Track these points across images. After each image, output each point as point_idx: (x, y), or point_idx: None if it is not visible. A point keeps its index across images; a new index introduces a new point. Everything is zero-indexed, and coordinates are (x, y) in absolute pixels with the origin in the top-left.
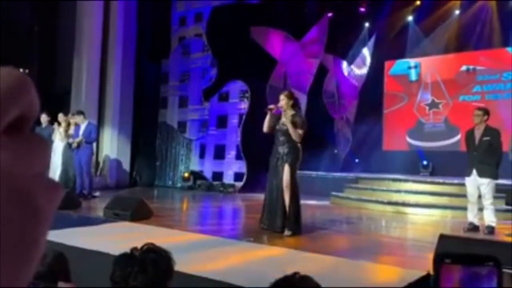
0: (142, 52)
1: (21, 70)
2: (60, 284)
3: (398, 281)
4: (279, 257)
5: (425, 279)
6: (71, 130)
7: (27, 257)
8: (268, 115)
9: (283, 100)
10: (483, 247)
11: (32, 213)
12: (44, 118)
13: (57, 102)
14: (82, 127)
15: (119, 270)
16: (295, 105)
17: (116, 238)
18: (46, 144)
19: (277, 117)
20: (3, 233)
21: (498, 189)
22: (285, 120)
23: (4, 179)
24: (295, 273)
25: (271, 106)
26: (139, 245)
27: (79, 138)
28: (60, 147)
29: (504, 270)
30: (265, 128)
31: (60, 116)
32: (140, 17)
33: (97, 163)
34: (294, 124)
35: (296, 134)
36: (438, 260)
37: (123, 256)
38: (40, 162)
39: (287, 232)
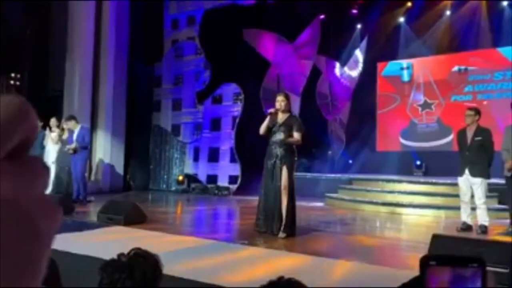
0: (135, 55)
1: (12, 74)
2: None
3: (392, 281)
4: (273, 259)
5: (418, 279)
6: (65, 136)
7: (28, 279)
8: (268, 118)
9: (283, 101)
10: (476, 247)
11: (33, 237)
12: None
13: (50, 106)
14: (76, 132)
15: (106, 277)
16: (289, 106)
17: (109, 243)
18: (46, 167)
19: (273, 118)
20: (5, 257)
21: (491, 189)
22: (282, 127)
23: (5, 204)
24: (281, 277)
25: (273, 110)
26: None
27: (73, 145)
28: (53, 152)
29: (495, 269)
30: (262, 130)
31: (53, 121)
32: (133, 21)
33: (90, 167)
34: (291, 127)
35: (295, 141)
36: (424, 262)
37: (110, 262)
38: (40, 185)
39: (281, 234)
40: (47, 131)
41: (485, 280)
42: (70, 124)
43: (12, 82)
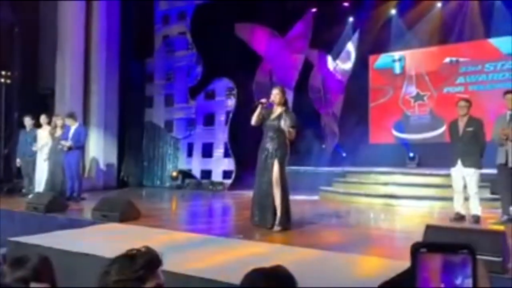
0: (126, 51)
1: (3, 72)
2: (32, 284)
3: (386, 272)
4: (269, 253)
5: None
6: (58, 133)
7: None
8: (258, 109)
9: (278, 95)
10: (469, 236)
11: None
12: (28, 122)
13: (41, 104)
14: (72, 129)
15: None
16: (285, 102)
17: (104, 240)
18: None
19: (267, 111)
20: None
21: (483, 179)
22: (276, 121)
23: None
24: (268, 267)
25: (263, 100)
26: (128, 246)
27: (68, 142)
28: (46, 150)
29: (488, 258)
30: (254, 121)
31: (43, 118)
32: (123, 16)
33: (84, 164)
34: (285, 122)
35: (292, 133)
36: (414, 250)
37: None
38: None
39: (276, 228)
40: (40, 130)
41: (475, 266)
42: (68, 121)
43: (2, 80)
